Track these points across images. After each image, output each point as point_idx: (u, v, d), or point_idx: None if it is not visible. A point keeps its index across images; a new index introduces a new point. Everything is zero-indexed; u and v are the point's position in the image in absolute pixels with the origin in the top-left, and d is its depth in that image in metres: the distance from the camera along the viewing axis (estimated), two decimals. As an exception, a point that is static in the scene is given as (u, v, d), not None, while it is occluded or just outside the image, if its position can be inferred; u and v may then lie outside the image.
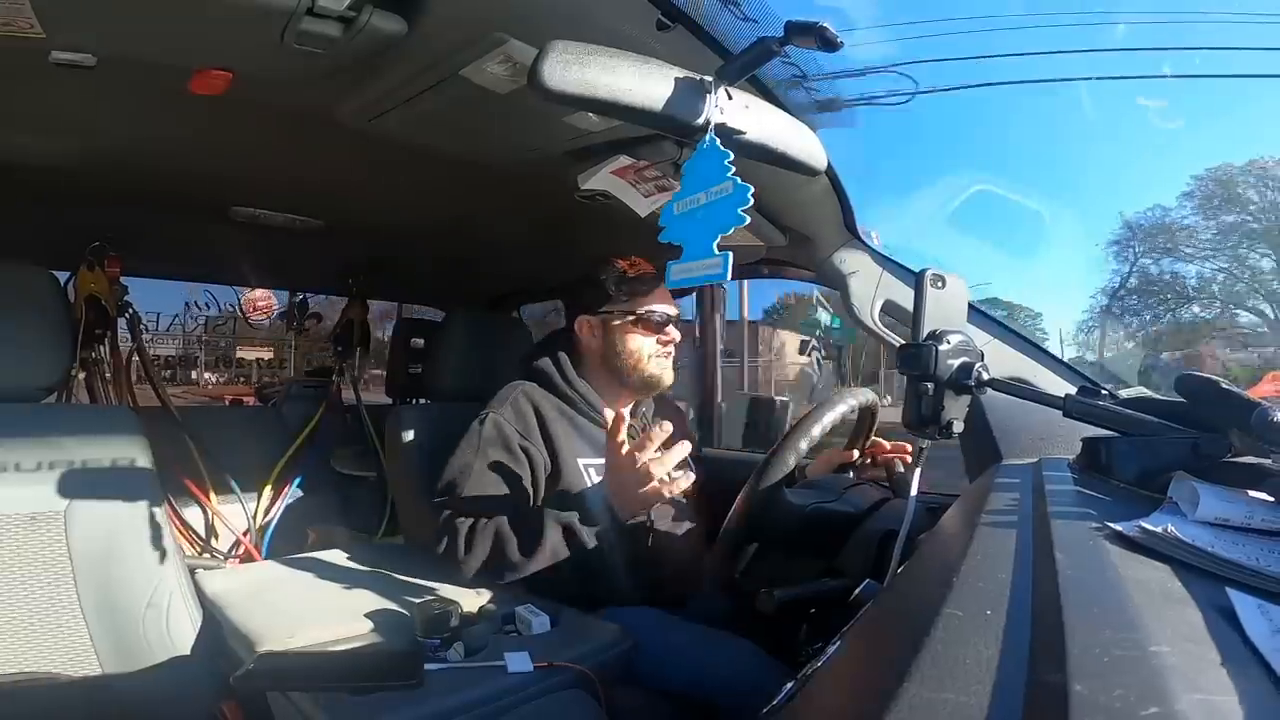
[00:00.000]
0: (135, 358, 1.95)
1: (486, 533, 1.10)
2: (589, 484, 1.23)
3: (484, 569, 1.10)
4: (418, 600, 0.99)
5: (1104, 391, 0.78)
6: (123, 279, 1.79)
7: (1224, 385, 0.59)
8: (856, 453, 1.26)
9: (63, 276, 1.68)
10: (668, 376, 1.33)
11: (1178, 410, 0.64)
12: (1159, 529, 0.43)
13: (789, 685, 0.55)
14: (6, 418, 1.04)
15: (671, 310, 1.31)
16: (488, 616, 0.99)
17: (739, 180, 0.66)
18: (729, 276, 0.67)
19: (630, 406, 1.37)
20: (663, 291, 1.32)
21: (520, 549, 1.08)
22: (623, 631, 1.01)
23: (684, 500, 1.33)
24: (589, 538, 1.08)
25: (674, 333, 1.32)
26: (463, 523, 1.12)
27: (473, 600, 1.05)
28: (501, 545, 1.09)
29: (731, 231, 0.67)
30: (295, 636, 0.94)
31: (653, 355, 1.30)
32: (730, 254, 0.67)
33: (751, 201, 0.66)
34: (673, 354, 1.33)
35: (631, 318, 1.29)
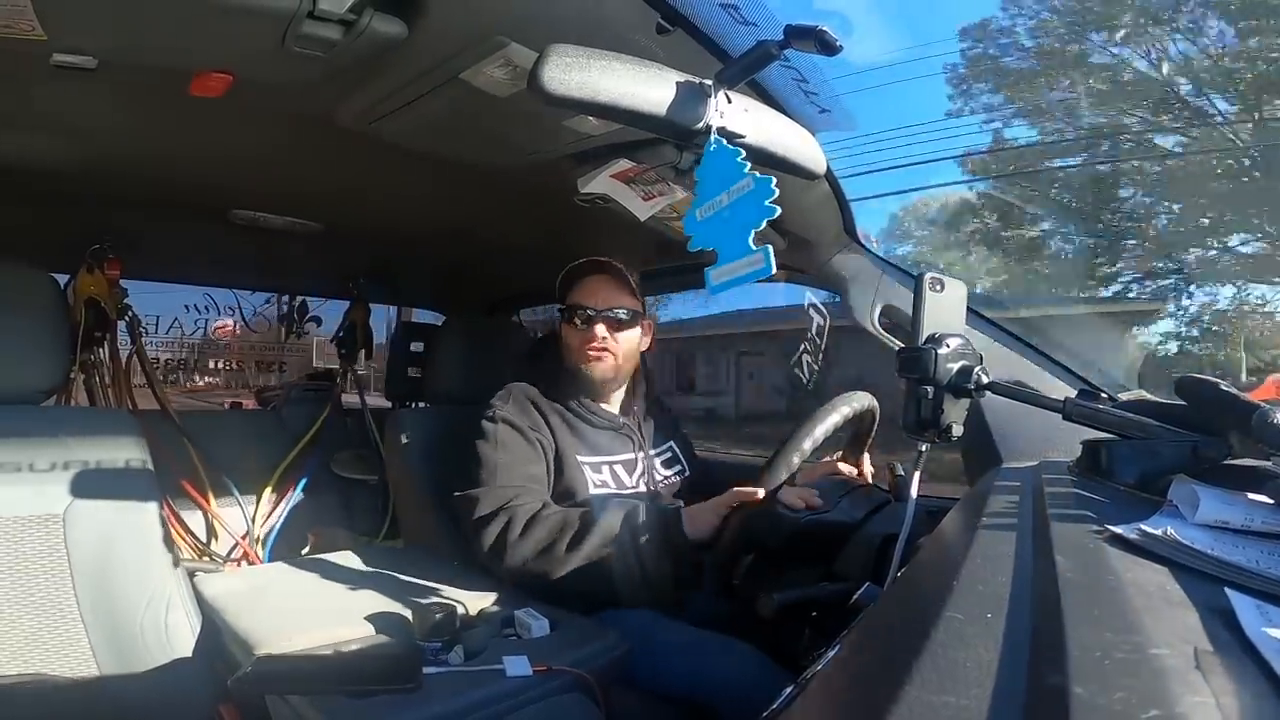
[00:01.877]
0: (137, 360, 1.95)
1: (550, 522, 1.10)
2: (589, 482, 1.24)
3: (534, 556, 1.09)
4: (418, 603, 0.99)
5: (1104, 395, 0.78)
6: (122, 282, 1.79)
7: (1223, 388, 0.59)
8: (844, 466, 1.26)
9: (62, 279, 1.68)
10: (597, 371, 1.28)
11: (1177, 413, 0.64)
12: (1159, 532, 0.43)
13: (788, 689, 0.55)
14: (5, 420, 1.04)
15: (595, 305, 1.27)
16: (487, 620, 0.99)
17: (758, 174, 0.65)
18: (774, 269, 0.65)
19: (618, 406, 1.37)
20: (594, 286, 1.29)
21: (570, 543, 1.08)
22: (621, 635, 1.01)
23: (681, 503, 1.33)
24: (631, 544, 1.08)
25: (598, 330, 1.27)
26: (522, 508, 1.12)
27: (473, 603, 1.04)
28: (559, 534, 1.09)
29: (764, 226, 0.65)
30: (293, 640, 0.94)
31: (578, 349, 1.28)
32: (770, 247, 0.65)
33: (777, 192, 0.64)
34: (605, 350, 1.28)
35: (562, 313, 1.30)
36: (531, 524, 1.10)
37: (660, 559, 1.07)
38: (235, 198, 1.50)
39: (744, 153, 0.67)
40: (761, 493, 1.02)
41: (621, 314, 1.30)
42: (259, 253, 1.86)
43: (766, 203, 0.65)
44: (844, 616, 0.75)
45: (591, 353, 1.28)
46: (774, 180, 0.65)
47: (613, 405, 1.36)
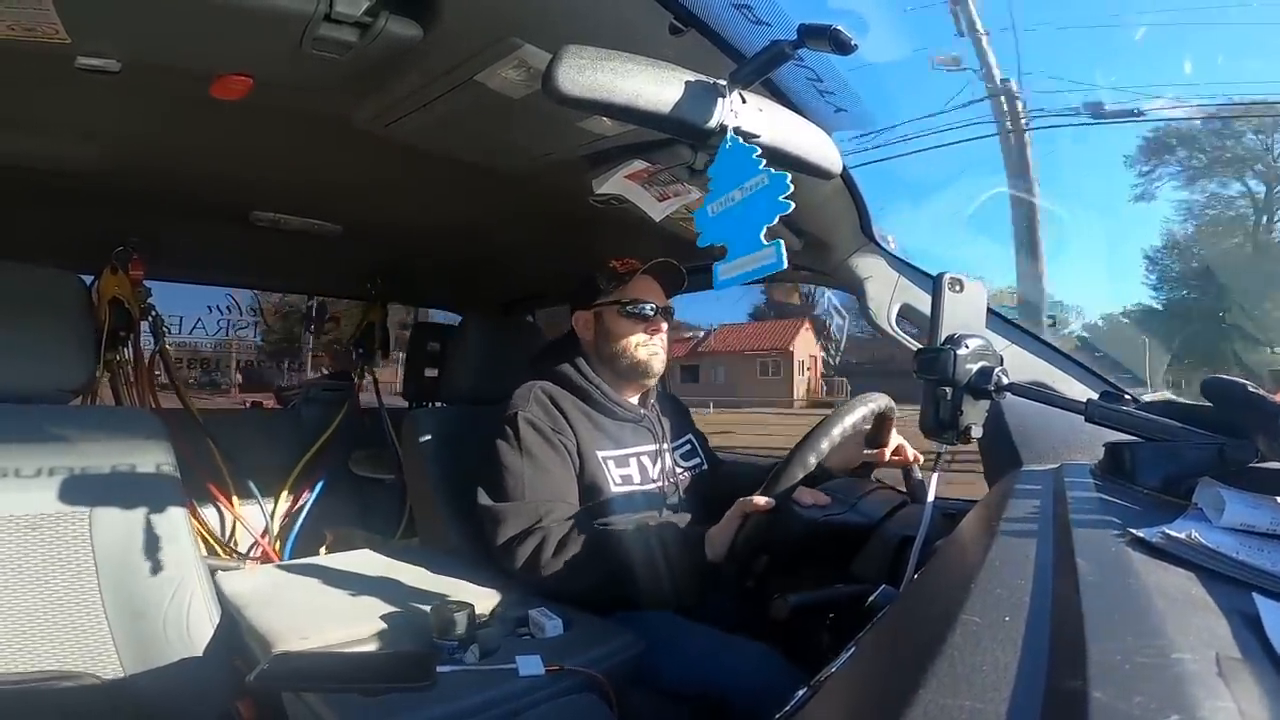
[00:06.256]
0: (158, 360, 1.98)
1: (578, 544, 1.11)
2: (610, 478, 1.25)
3: (565, 576, 1.10)
4: (433, 602, 0.99)
5: (1127, 396, 0.77)
6: (145, 282, 1.82)
7: (1251, 389, 0.58)
8: (886, 452, 1.24)
9: (87, 279, 1.71)
10: (657, 364, 1.34)
11: (1203, 415, 0.63)
12: (1183, 535, 0.42)
13: (802, 691, 0.54)
14: (32, 419, 1.06)
15: (657, 301, 1.34)
16: (502, 619, 0.99)
17: (773, 171, 0.65)
18: (785, 264, 0.65)
19: (638, 398, 1.38)
20: (649, 284, 1.35)
21: (598, 566, 1.09)
22: (635, 635, 1.01)
23: (687, 518, 1.33)
24: (655, 550, 1.09)
25: (660, 323, 1.34)
26: (554, 529, 1.13)
27: (488, 602, 1.05)
28: (586, 554, 1.10)
29: (776, 221, 0.65)
30: (310, 637, 0.95)
31: (640, 343, 1.33)
32: (782, 241, 0.64)
33: (792, 188, 0.64)
34: (661, 343, 1.35)
35: (618, 308, 1.32)
36: (562, 547, 1.11)
37: (685, 578, 1.09)
38: (255, 199, 1.53)
39: (759, 150, 0.66)
40: (763, 500, 1.01)
41: (673, 311, 1.38)
42: (278, 253, 1.89)
43: (781, 198, 0.64)
44: (859, 619, 0.74)
45: (656, 346, 1.34)
46: (789, 175, 0.64)
47: (633, 398, 1.37)
